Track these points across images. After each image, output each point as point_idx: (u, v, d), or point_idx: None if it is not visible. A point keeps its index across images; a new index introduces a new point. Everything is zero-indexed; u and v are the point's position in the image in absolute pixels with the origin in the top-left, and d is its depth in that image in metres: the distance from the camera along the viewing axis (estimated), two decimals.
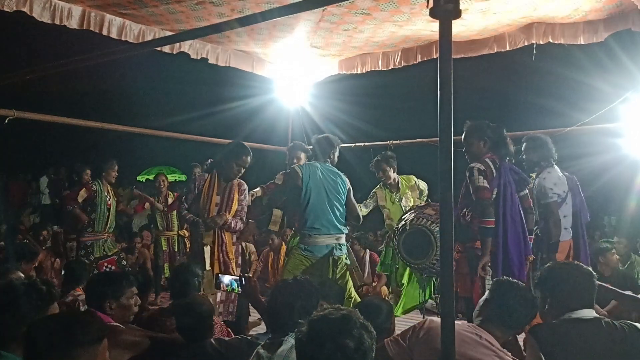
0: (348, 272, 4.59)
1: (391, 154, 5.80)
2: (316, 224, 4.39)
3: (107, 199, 6.00)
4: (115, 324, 2.60)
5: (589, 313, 2.30)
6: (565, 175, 4.56)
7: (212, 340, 2.57)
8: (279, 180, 5.51)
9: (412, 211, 4.63)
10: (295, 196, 4.47)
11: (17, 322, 2.00)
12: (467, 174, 3.80)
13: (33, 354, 1.74)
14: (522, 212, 3.85)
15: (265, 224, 7.11)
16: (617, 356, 2.17)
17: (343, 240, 4.57)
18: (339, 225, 4.49)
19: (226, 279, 3.06)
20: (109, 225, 6.03)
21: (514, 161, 4.12)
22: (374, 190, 5.79)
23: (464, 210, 3.82)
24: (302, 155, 5.24)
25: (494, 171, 3.75)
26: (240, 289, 2.98)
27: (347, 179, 4.63)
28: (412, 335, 2.42)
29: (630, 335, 2.21)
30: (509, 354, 2.43)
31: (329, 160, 4.61)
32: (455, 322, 2.31)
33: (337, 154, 4.69)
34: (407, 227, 4.18)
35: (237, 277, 3.01)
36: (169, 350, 2.55)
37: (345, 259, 4.56)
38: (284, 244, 7.89)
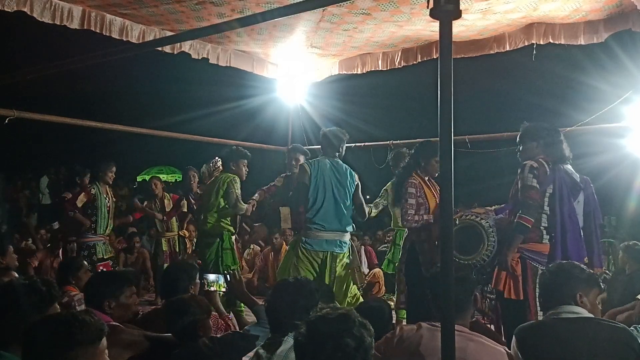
0: (349, 270, 4.57)
1: (408, 151, 5.72)
2: (321, 220, 4.41)
3: (107, 202, 6.02)
4: (114, 323, 2.60)
5: (571, 309, 2.30)
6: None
7: (204, 339, 2.57)
8: (279, 182, 5.52)
9: (456, 210, 4.54)
10: (303, 193, 4.48)
11: (18, 323, 1.99)
12: (519, 171, 3.74)
13: (32, 353, 1.74)
14: (577, 215, 3.80)
15: (276, 224, 7.15)
16: (599, 357, 2.14)
17: (346, 239, 4.57)
18: (344, 224, 4.49)
19: (211, 276, 3.09)
20: (108, 227, 6.07)
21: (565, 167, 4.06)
22: (385, 188, 5.67)
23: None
24: (302, 158, 5.25)
25: (548, 170, 3.71)
26: (225, 285, 3.02)
27: (356, 175, 4.61)
28: (387, 345, 2.41)
29: (616, 336, 2.19)
30: (480, 334, 2.43)
31: (337, 154, 4.60)
32: (421, 323, 2.34)
33: (344, 147, 4.66)
34: (457, 222, 3.94)
35: (222, 274, 3.05)
36: (163, 350, 2.55)
37: (346, 257, 4.55)
38: (284, 244, 7.90)
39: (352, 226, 4.63)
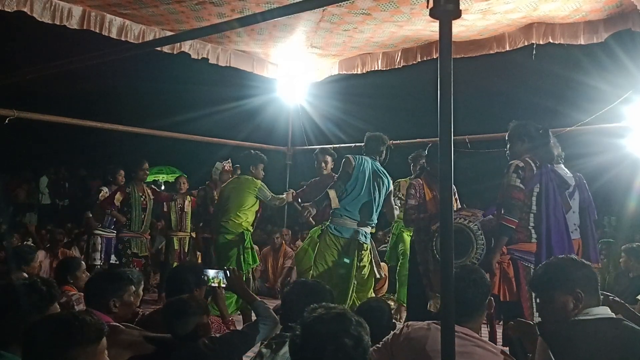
0: (370, 262, 4.80)
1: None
2: (353, 208, 4.63)
3: (142, 200, 6.15)
4: (114, 323, 2.60)
5: (603, 311, 2.18)
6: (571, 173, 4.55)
7: (204, 339, 2.58)
8: (309, 187, 5.69)
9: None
10: (345, 181, 4.66)
11: (18, 323, 1.99)
12: (505, 171, 3.72)
13: (32, 353, 1.74)
14: (564, 213, 3.78)
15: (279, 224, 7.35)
16: (617, 357, 2.06)
17: (369, 232, 4.79)
18: (371, 218, 4.73)
19: (211, 272, 3.10)
20: (144, 225, 6.21)
21: (554, 165, 4.04)
22: (398, 181, 5.65)
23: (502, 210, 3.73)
24: (329, 159, 5.50)
25: (535, 168, 3.67)
26: (225, 281, 3.04)
27: (391, 182, 4.87)
28: (394, 342, 2.39)
29: (634, 337, 2.09)
30: (490, 342, 2.38)
31: (378, 158, 4.80)
32: (430, 323, 2.31)
33: (384, 151, 4.84)
34: None
35: (223, 270, 3.07)
36: (163, 350, 2.55)
37: (368, 249, 4.77)
38: (284, 243, 7.90)
39: (375, 222, 4.87)
